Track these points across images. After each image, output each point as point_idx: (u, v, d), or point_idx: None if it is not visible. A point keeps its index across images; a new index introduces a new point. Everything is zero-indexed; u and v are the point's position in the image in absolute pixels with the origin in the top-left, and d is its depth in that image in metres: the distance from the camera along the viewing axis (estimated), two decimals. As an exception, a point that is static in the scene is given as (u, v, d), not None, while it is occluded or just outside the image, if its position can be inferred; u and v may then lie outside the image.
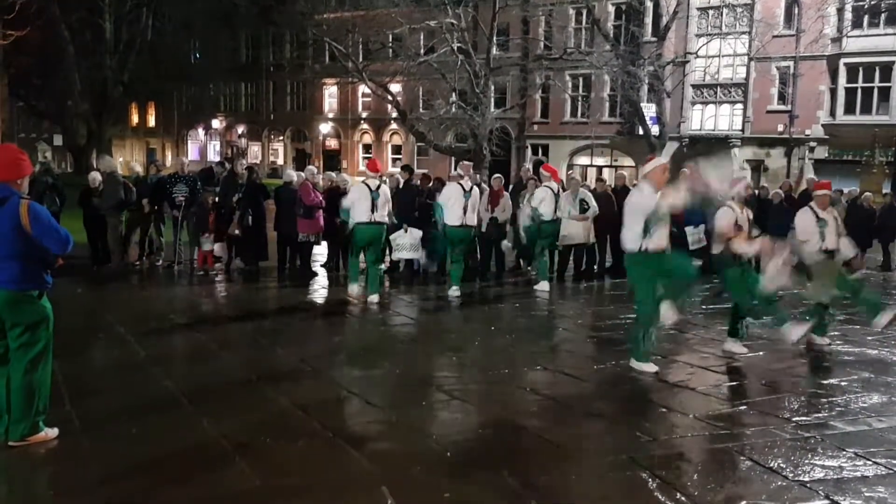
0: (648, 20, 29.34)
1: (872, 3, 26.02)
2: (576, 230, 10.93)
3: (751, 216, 6.86)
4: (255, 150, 48.59)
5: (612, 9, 31.38)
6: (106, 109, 36.06)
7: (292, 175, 11.63)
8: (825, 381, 6.15)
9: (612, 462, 4.26)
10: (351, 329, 8.20)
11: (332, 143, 45.02)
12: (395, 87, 30.34)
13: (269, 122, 47.65)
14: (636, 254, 6.05)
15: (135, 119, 53.66)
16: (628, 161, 31.17)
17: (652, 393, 5.67)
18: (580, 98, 33.74)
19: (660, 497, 3.81)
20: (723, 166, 6.68)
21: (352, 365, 6.42)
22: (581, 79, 33.04)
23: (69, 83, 34.01)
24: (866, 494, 3.89)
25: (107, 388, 5.57)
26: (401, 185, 11.01)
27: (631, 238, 6.07)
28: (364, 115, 43.02)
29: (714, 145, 26.76)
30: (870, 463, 4.30)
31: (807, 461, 4.31)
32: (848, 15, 26.75)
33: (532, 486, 3.93)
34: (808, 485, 4.00)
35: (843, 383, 6.01)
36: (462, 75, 26.34)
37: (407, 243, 10.51)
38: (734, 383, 6.08)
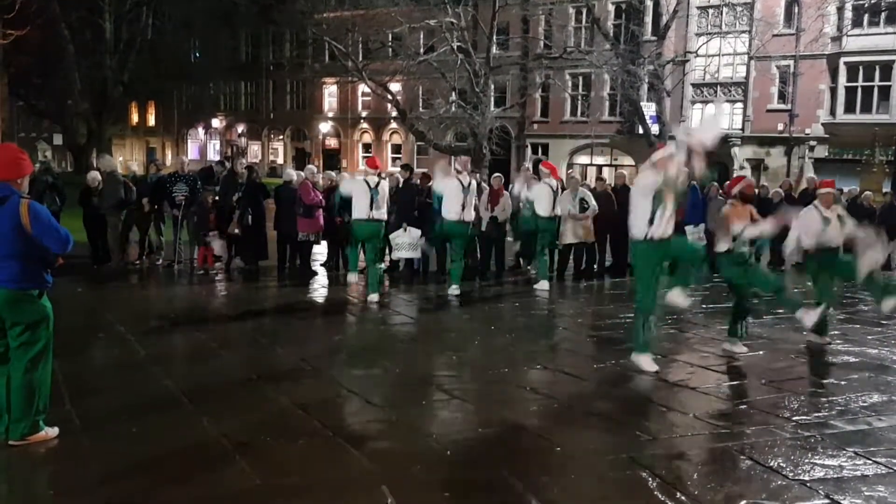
0: (648, 19, 29.34)
1: (872, 2, 26.01)
2: (576, 229, 10.94)
3: (754, 213, 6.84)
4: (254, 149, 48.58)
5: (611, 8, 31.37)
6: (106, 109, 36.03)
7: (292, 174, 11.64)
8: (825, 381, 6.16)
9: (612, 461, 4.26)
10: (351, 328, 8.20)
11: (332, 143, 45.02)
12: (395, 87, 30.34)
13: (269, 122, 47.64)
14: (641, 241, 6.03)
15: (135, 118, 53.64)
16: (628, 160, 31.15)
17: (652, 392, 5.67)
18: (580, 97, 33.73)
19: (660, 496, 3.81)
20: (710, 122, 6.73)
21: (352, 364, 6.42)
22: (581, 78, 33.02)
23: (69, 82, 33.99)
24: (866, 493, 3.89)
25: (107, 387, 5.57)
26: (400, 185, 11.01)
27: (637, 224, 6.04)
28: (364, 114, 43.01)
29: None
30: (870, 462, 4.30)
31: (807, 460, 4.31)
32: (848, 14, 26.74)
33: (532, 485, 3.93)
34: (808, 484, 4.00)
35: (843, 382, 6.01)
36: (462, 74, 26.34)
37: (406, 242, 10.51)
38: (734, 383, 6.08)
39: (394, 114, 32.26)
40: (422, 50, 28.70)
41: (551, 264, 11.07)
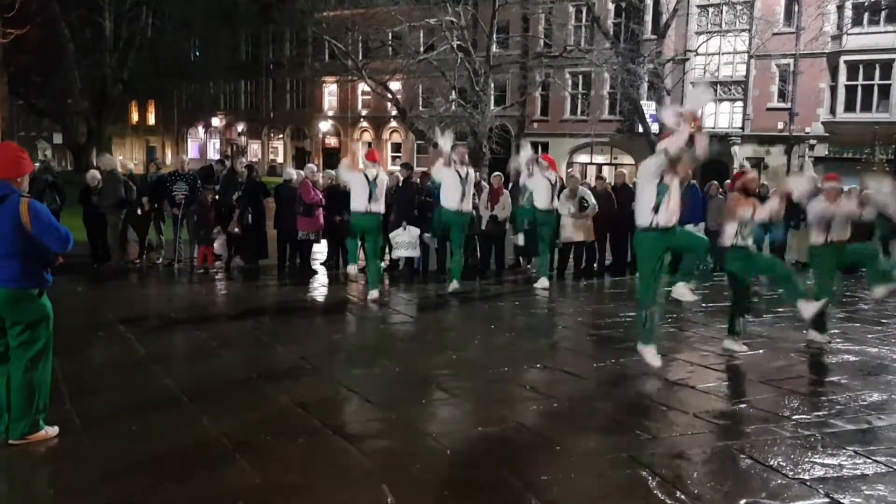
0: (648, 18, 29.33)
1: (872, 0, 26.00)
2: (575, 228, 10.94)
3: (758, 206, 6.80)
4: (254, 148, 48.57)
5: (611, 6, 31.36)
6: (106, 107, 36.06)
7: (292, 173, 11.63)
8: (825, 380, 6.16)
9: (612, 460, 4.26)
10: (351, 327, 8.20)
11: (332, 142, 45.01)
12: (395, 85, 30.35)
13: (269, 121, 47.63)
14: (646, 229, 5.98)
15: (135, 117, 53.64)
16: (628, 159, 31.15)
17: (652, 391, 5.67)
18: (580, 96, 33.72)
19: (660, 495, 3.81)
20: (699, 93, 6.75)
21: (352, 363, 6.42)
22: (581, 76, 33.01)
23: (69, 81, 34.01)
24: (866, 492, 3.89)
25: (107, 386, 5.58)
26: (400, 184, 11.01)
27: (642, 212, 5.99)
28: (364, 113, 43.00)
29: (713, 142, 26.77)
30: (870, 461, 4.30)
31: (807, 459, 4.31)
32: (848, 12, 26.74)
33: (531, 484, 3.93)
34: (808, 483, 4.00)
35: (843, 381, 6.01)
36: (462, 73, 26.37)
37: (406, 241, 10.52)
38: (734, 382, 6.08)
39: (394, 113, 32.29)
40: (422, 49, 28.71)
41: (551, 263, 11.07)
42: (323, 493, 3.84)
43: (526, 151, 10.23)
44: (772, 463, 4.25)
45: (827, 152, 28.12)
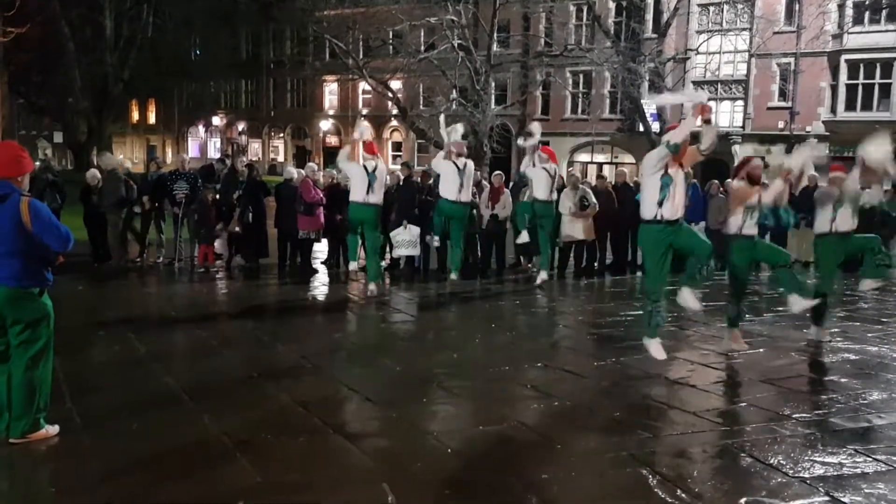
0: (649, 17, 29.29)
1: (873, -1, 26.02)
2: (576, 227, 10.93)
3: (763, 194, 6.77)
4: (255, 147, 48.56)
5: (612, 5, 31.33)
6: (106, 106, 36.05)
7: (293, 172, 11.63)
8: (825, 378, 6.15)
9: (613, 459, 4.27)
10: (351, 326, 8.20)
11: (333, 140, 45.00)
12: (396, 84, 30.33)
13: (270, 119, 47.62)
14: (651, 221, 5.93)
15: (135, 116, 53.64)
16: (629, 158, 31.14)
17: (652, 390, 5.67)
18: (581, 95, 33.69)
19: (660, 494, 3.82)
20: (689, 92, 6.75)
21: (352, 362, 6.43)
22: (582, 75, 32.99)
23: (69, 80, 33.99)
24: (866, 491, 3.89)
25: (107, 384, 5.58)
26: (401, 182, 11.01)
27: (647, 205, 5.95)
28: (364, 111, 42.96)
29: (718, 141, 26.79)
30: (870, 459, 4.30)
31: (807, 458, 4.31)
32: (849, 11, 26.71)
33: (532, 482, 3.93)
34: (808, 481, 4.00)
35: (843, 380, 6.01)
36: (462, 72, 26.36)
37: (406, 240, 10.52)
38: (734, 380, 6.08)
39: (394, 111, 32.28)
40: (422, 48, 28.69)
41: (552, 260, 11.07)
42: (323, 491, 3.85)
43: (537, 133, 10.07)
44: (772, 461, 4.25)
45: (827, 151, 28.08)
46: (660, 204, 5.85)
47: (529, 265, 11.58)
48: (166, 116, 51.79)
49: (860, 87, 27.18)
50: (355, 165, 8.98)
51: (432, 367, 6.20)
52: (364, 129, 9.26)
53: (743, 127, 29.72)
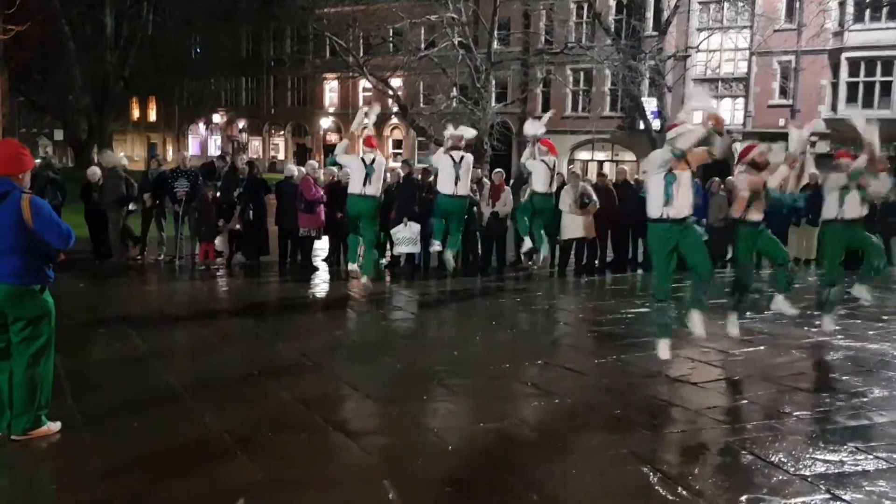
0: (649, 14, 29.26)
1: (874, -4, 25.98)
2: (576, 224, 10.92)
3: (767, 180, 6.72)
4: (255, 144, 48.52)
5: (612, 3, 31.27)
6: (107, 104, 36.03)
7: (293, 170, 11.63)
8: (826, 376, 6.16)
9: (614, 456, 4.27)
10: (352, 323, 8.20)
11: (333, 138, 44.96)
12: (396, 82, 30.29)
13: (270, 117, 47.59)
14: (657, 220, 5.90)
15: (136, 114, 53.58)
16: (629, 155, 31.11)
17: (653, 387, 5.67)
18: (581, 92, 33.64)
19: (661, 491, 3.82)
20: (701, 95, 6.75)
21: (353, 359, 6.43)
22: (582, 73, 32.94)
23: (70, 78, 33.97)
24: (867, 489, 3.89)
25: (108, 382, 5.58)
26: (401, 180, 11.01)
27: (653, 204, 5.92)
28: (367, 108, 42.87)
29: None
30: (871, 457, 4.30)
31: (808, 455, 4.31)
32: (850, 9, 26.67)
33: (533, 480, 3.93)
34: (809, 479, 4.00)
35: (844, 377, 6.01)
36: (463, 70, 26.32)
37: (407, 237, 10.52)
38: (735, 378, 6.07)
39: (395, 109, 32.26)
40: (423, 45, 28.66)
41: (552, 257, 11.05)
42: (324, 488, 3.85)
43: (543, 121, 10.01)
44: (773, 459, 4.25)
45: (828, 149, 28.03)
46: (665, 202, 5.82)
47: (530, 262, 11.58)
48: (167, 114, 51.74)
49: (861, 85, 27.14)
50: (353, 158, 8.98)
51: (433, 364, 6.20)
52: (373, 113, 9.29)
53: (744, 125, 29.67)
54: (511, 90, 32.53)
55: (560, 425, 4.80)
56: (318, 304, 9.17)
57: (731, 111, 30.04)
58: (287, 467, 4.05)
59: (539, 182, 9.86)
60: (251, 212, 11.06)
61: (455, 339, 7.30)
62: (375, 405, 5.18)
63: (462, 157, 9.25)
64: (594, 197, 10.95)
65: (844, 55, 27.10)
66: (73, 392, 5.12)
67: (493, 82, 28.64)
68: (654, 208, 5.91)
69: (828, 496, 3.80)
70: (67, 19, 32.62)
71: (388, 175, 10.96)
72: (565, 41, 28.21)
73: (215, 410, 4.86)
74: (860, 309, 8.48)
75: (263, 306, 8.78)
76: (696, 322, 6.10)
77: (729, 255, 11.80)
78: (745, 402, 5.38)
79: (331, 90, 44.39)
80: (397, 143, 42.02)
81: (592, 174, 21.83)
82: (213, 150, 47.74)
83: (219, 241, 11.12)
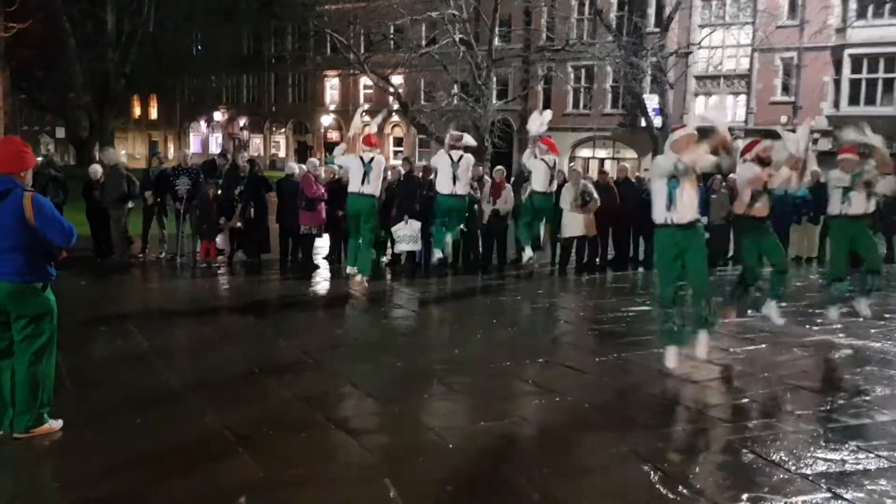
0: (651, 11, 29.21)
1: (877, -7, 25.92)
2: (577, 222, 10.91)
3: (771, 174, 6.70)
4: (256, 142, 48.52)
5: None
6: (108, 102, 36.03)
7: (294, 167, 11.62)
8: (828, 375, 6.16)
9: (614, 455, 4.27)
10: (353, 321, 8.21)
11: (334, 136, 44.95)
12: (397, 79, 30.28)
13: (271, 115, 47.58)
14: (661, 225, 5.87)
15: (137, 111, 53.60)
16: (631, 153, 31.09)
17: (654, 386, 5.67)
18: (582, 89, 33.60)
19: (662, 490, 3.82)
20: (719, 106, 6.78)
21: (354, 357, 6.43)
22: (583, 70, 32.90)
23: (71, 76, 33.97)
24: (868, 487, 3.89)
25: (110, 380, 5.59)
26: (402, 178, 11.00)
27: (657, 209, 5.90)
28: (366, 106, 42.74)
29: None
30: (872, 456, 4.30)
31: (809, 454, 4.31)
32: (852, 5, 26.61)
33: (534, 479, 3.94)
34: (810, 478, 4.00)
35: (845, 376, 6.01)
36: (464, 67, 26.28)
37: (408, 235, 10.51)
38: (736, 376, 6.07)
39: (396, 106, 32.29)
40: (424, 42, 28.64)
41: (552, 257, 11.03)
42: (325, 487, 3.85)
43: (546, 116, 9.97)
44: (774, 458, 4.25)
45: (831, 146, 27.99)
46: (668, 207, 5.79)
47: (530, 261, 11.56)
48: (168, 112, 51.74)
49: (864, 82, 27.09)
50: (352, 157, 8.98)
51: (433, 363, 6.20)
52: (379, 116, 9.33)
53: (746, 122, 29.62)
54: (512, 87, 32.50)
55: (561, 424, 4.80)
56: (319, 302, 9.17)
57: (733, 108, 30.00)
58: (288, 465, 4.06)
59: (539, 181, 9.85)
60: (252, 209, 11.06)
61: (456, 337, 7.31)
62: (376, 403, 5.18)
63: (461, 157, 9.27)
64: (595, 195, 10.94)
65: (847, 52, 27.04)
66: (75, 390, 5.13)
67: (494, 79, 28.60)
68: (658, 213, 5.89)
69: (829, 495, 3.80)
70: (68, 17, 32.62)
71: (389, 173, 10.96)
72: (566, 38, 28.15)
73: (216, 408, 4.87)
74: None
75: (264, 304, 8.78)
76: (702, 344, 5.99)
77: (730, 254, 11.83)
78: (746, 400, 5.38)
79: (332, 87, 44.36)
80: (398, 141, 42.00)
81: (593, 172, 21.78)
82: (215, 147, 47.76)
83: (220, 239, 11.11)
